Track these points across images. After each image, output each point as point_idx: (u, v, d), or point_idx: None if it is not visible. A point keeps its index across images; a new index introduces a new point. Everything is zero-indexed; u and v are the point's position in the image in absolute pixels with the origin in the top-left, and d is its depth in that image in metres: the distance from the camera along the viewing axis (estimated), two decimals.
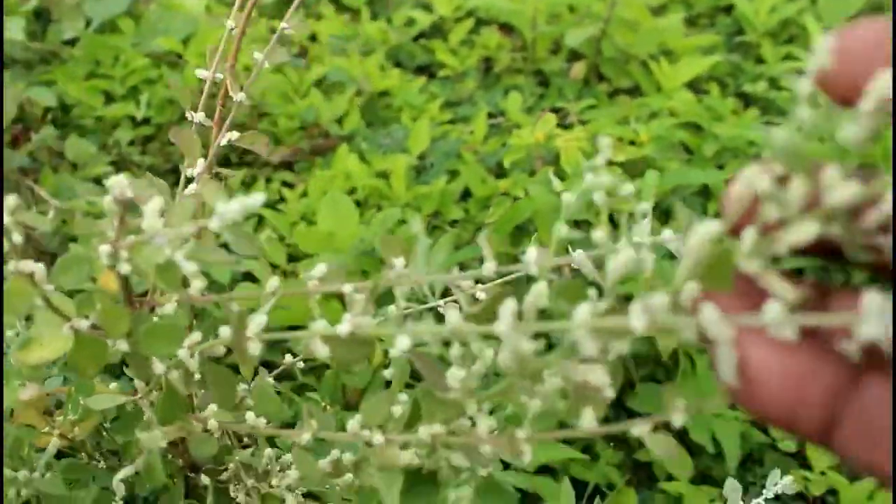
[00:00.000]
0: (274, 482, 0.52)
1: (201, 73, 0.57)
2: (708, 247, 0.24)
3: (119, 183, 0.37)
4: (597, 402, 0.32)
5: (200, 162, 0.54)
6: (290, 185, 1.43)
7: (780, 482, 0.75)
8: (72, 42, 1.73)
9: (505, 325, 0.26)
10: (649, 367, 1.09)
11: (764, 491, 0.75)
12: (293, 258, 1.23)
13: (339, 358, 0.36)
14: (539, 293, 0.28)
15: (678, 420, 0.29)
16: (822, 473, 1.03)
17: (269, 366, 1.12)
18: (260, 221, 1.36)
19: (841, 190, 0.22)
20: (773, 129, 0.22)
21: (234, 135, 0.54)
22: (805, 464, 1.06)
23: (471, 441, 0.35)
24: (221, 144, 0.54)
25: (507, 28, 1.77)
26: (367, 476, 0.44)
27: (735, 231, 0.25)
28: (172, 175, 1.43)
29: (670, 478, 1.04)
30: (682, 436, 1.07)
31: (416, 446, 0.38)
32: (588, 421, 0.32)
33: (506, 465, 0.99)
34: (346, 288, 0.40)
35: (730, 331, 0.23)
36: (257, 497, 0.53)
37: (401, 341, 0.30)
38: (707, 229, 0.24)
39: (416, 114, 1.50)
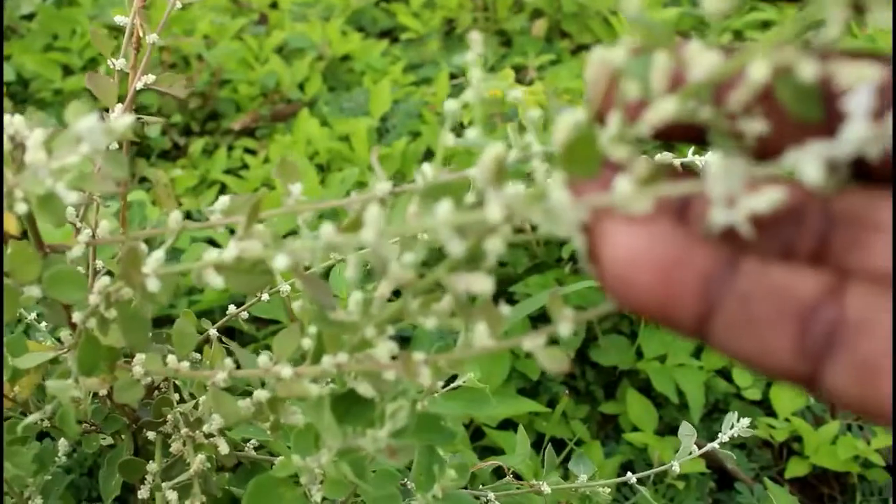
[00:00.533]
0: (205, 429, 0.51)
1: (119, 18, 0.56)
2: (573, 135, 0.23)
3: (13, 122, 0.36)
4: (492, 317, 0.31)
5: (119, 107, 0.53)
6: (252, 152, 1.41)
7: (736, 426, 0.75)
8: (29, 17, 1.70)
9: (370, 232, 0.25)
10: (612, 320, 1.08)
11: (720, 435, 0.74)
12: None
13: (236, 287, 0.35)
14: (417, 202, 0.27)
15: (565, 329, 0.28)
16: (787, 420, 1.03)
17: (232, 333, 1.11)
18: (223, 189, 1.35)
19: (701, 61, 0.21)
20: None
21: (150, 77, 0.53)
22: (771, 412, 1.06)
23: (371, 366, 0.34)
24: (138, 88, 0.52)
25: None
26: (290, 414, 0.43)
27: (602, 118, 0.24)
28: (135, 146, 1.41)
29: (636, 430, 1.04)
30: (647, 388, 1.07)
31: (323, 377, 0.37)
32: (482, 337, 0.31)
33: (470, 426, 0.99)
34: None
35: (580, 213, 0.22)
36: (191, 445, 0.52)
37: (279, 260, 0.28)
38: (571, 117, 0.23)
39: (379, 77, 1.48)
